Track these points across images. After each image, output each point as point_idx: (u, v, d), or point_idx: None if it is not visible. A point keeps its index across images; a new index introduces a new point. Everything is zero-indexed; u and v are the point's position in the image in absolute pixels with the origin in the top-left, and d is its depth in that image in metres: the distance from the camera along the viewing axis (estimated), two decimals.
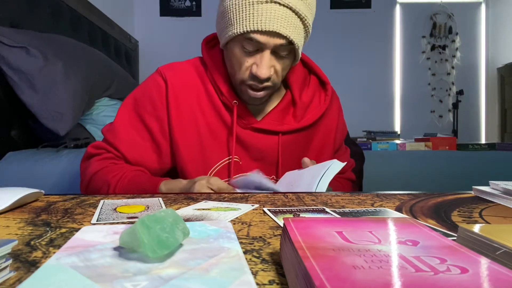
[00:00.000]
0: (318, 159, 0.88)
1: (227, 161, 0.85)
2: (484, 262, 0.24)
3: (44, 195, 0.63)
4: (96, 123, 1.56)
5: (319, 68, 0.94)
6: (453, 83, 3.75)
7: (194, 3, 3.65)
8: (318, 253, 0.25)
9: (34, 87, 1.28)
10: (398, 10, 3.76)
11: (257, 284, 0.27)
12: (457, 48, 3.75)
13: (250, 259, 0.32)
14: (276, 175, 0.88)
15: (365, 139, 2.01)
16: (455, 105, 3.51)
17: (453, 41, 3.75)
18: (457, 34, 3.75)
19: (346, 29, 3.62)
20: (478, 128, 3.83)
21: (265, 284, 0.27)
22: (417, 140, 1.82)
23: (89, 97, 1.47)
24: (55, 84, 1.31)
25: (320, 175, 0.70)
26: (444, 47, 3.75)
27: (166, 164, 0.85)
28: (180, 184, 0.76)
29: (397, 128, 3.76)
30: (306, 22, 0.75)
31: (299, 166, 0.88)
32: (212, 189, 0.71)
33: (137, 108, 0.84)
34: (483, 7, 3.78)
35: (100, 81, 1.60)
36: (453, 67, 3.76)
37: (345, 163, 0.73)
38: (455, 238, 0.34)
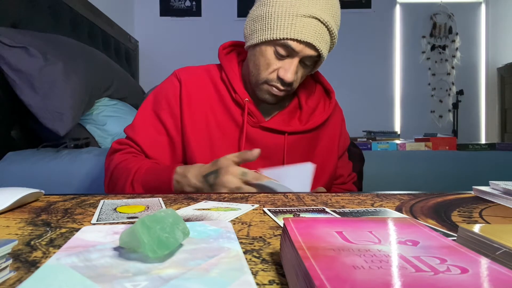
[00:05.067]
0: (324, 163, 0.94)
1: None
2: (484, 262, 0.24)
3: (44, 195, 0.63)
4: (96, 123, 1.56)
5: (324, 78, 1.01)
6: (453, 83, 3.75)
7: (194, 3, 3.65)
8: (318, 253, 0.25)
9: (34, 87, 1.28)
10: (398, 10, 3.76)
11: (257, 284, 0.27)
12: (457, 48, 3.75)
13: (250, 259, 0.32)
14: None
15: (365, 139, 2.00)
16: (455, 105, 3.51)
17: (453, 41, 3.75)
18: (457, 34, 3.74)
19: (346, 29, 3.61)
20: (478, 128, 3.83)
21: (265, 284, 0.27)
22: (417, 140, 1.82)
23: (89, 97, 1.47)
24: (55, 84, 1.31)
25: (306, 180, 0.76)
26: (444, 47, 3.75)
27: (179, 157, 0.91)
28: (198, 167, 0.77)
29: (397, 128, 3.76)
30: (333, 40, 0.85)
31: None
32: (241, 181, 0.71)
33: (155, 106, 0.92)
34: (483, 7, 3.78)
35: (100, 81, 1.60)
36: (453, 67, 3.75)
37: (315, 165, 0.80)
38: (455, 238, 0.34)
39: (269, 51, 0.82)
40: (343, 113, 1.04)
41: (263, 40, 0.82)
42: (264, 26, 0.82)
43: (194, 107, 0.89)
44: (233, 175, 0.71)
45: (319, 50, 0.81)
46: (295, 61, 0.82)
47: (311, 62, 0.85)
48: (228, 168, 0.71)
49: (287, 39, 0.79)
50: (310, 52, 0.81)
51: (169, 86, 0.92)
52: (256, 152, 0.73)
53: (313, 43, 0.79)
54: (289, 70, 0.81)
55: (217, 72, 0.93)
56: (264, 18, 0.81)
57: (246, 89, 0.91)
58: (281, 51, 0.81)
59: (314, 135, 0.94)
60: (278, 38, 0.80)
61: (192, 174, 0.76)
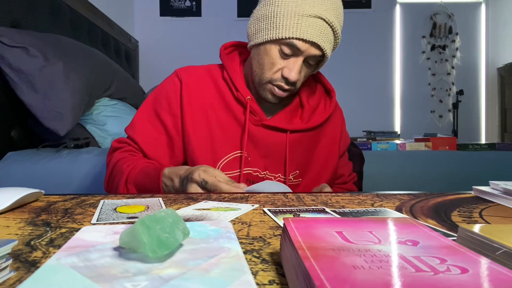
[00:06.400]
0: (326, 162, 0.95)
1: (236, 155, 0.88)
2: (484, 262, 0.24)
3: (44, 195, 0.63)
4: (96, 123, 1.56)
5: (325, 77, 1.01)
6: (453, 83, 3.75)
7: (194, 3, 3.65)
8: (318, 253, 0.25)
9: (34, 87, 1.28)
10: (398, 10, 3.75)
11: (257, 284, 0.27)
12: (457, 48, 3.75)
13: (250, 259, 0.32)
14: (284, 172, 0.91)
15: (365, 139, 2.01)
16: (455, 105, 3.51)
17: (453, 41, 3.75)
18: (457, 34, 3.74)
19: (346, 29, 3.60)
20: (478, 128, 3.83)
21: (265, 284, 0.27)
22: (417, 140, 1.82)
23: (89, 97, 1.47)
24: (55, 84, 1.31)
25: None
26: (444, 47, 3.75)
27: (179, 157, 0.91)
28: (183, 169, 0.78)
29: (397, 128, 3.76)
30: (337, 40, 0.86)
31: (306, 164, 0.93)
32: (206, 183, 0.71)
33: (155, 106, 0.92)
34: (483, 7, 3.78)
35: (100, 81, 1.60)
36: (453, 67, 3.75)
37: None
38: (455, 238, 0.34)
39: (274, 50, 0.83)
40: (343, 113, 1.05)
41: (269, 39, 0.82)
42: (269, 25, 0.82)
43: (195, 106, 0.89)
44: (196, 183, 0.72)
45: (324, 50, 0.82)
46: (299, 60, 0.82)
47: (315, 62, 0.86)
48: (193, 176, 0.72)
49: (292, 38, 0.80)
50: (315, 51, 0.82)
51: (169, 85, 0.92)
52: (243, 186, 0.72)
53: (318, 43, 0.80)
54: (294, 70, 0.82)
55: (218, 71, 0.94)
56: (270, 17, 0.82)
57: (248, 88, 0.91)
58: (286, 50, 0.81)
59: (315, 134, 0.94)
60: (284, 37, 0.80)
61: (177, 177, 0.77)
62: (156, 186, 0.79)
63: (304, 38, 0.79)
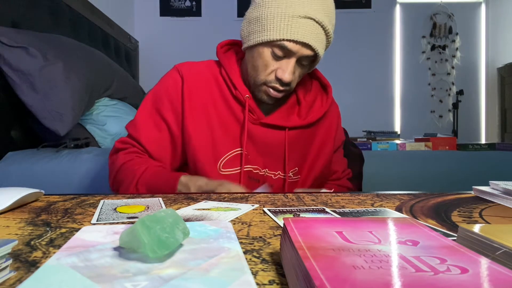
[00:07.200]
0: (319, 155, 0.95)
1: (236, 152, 0.89)
2: (484, 262, 0.24)
3: (44, 195, 0.63)
4: (96, 123, 1.56)
5: (320, 72, 1.01)
6: (453, 83, 3.75)
7: (194, 3, 3.65)
8: (318, 253, 0.25)
9: (34, 87, 1.28)
10: (398, 10, 3.76)
11: (257, 284, 0.27)
12: (457, 48, 3.75)
13: (250, 259, 0.32)
14: (283, 170, 0.91)
15: (365, 139, 2.01)
16: (455, 105, 3.51)
17: (453, 41, 3.75)
18: (457, 34, 3.75)
19: (346, 29, 3.62)
20: (478, 128, 3.83)
21: (265, 284, 0.27)
22: (417, 140, 1.82)
23: (89, 97, 1.47)
24: (55, 84, 1.31)
25: None
26: (444, 47, 3.75)
27: (179, 155, 0.91)
28: (202, 180, 0.80)
29: (397, 128, 3.76)
30: (329, 39, 0.86)
31: (304, 160, 0.94)
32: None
33: (155, 102, 0.91)
34: (483, 7, 3.78)
35: (100, 81, 1.60)
36: (453, 67, 3.75)
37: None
38: (455, 238, 0.34)
39: (266, 52, 0.83)
40: (338, 108, 1.05)
41: (260, 41, 0.82)
42: (260, 27, 0.82)
43: (196, 102, 0.89)
44: (229, 187, 0.74)
45: (315, 50, 0.82)
46: (292, 61, 0.82)
47: (308, 62, 0.86)
48: (223, 188, 0.74)
49: (283, 40, 0.80)
50: (306, 52, 0.82)
51: (170, 82, 0.92)
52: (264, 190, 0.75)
53: (309, 43, 0.80)
54: (287, 71, 0.82)
55: (216, 68, 0.94)
56: (260, 19, 0.82)
57: (245, 86, 0.91)
58: (278, 52, 0.82)
59: (312, 130, 0.95)
60: (275, 39, 0.80)
61: (195, 187, 0.78)
62: (170, 191, 0.79)
63: (295, 39, 0.79)
